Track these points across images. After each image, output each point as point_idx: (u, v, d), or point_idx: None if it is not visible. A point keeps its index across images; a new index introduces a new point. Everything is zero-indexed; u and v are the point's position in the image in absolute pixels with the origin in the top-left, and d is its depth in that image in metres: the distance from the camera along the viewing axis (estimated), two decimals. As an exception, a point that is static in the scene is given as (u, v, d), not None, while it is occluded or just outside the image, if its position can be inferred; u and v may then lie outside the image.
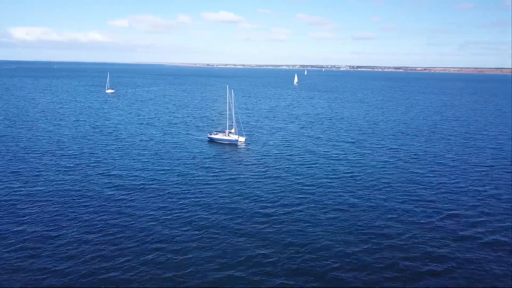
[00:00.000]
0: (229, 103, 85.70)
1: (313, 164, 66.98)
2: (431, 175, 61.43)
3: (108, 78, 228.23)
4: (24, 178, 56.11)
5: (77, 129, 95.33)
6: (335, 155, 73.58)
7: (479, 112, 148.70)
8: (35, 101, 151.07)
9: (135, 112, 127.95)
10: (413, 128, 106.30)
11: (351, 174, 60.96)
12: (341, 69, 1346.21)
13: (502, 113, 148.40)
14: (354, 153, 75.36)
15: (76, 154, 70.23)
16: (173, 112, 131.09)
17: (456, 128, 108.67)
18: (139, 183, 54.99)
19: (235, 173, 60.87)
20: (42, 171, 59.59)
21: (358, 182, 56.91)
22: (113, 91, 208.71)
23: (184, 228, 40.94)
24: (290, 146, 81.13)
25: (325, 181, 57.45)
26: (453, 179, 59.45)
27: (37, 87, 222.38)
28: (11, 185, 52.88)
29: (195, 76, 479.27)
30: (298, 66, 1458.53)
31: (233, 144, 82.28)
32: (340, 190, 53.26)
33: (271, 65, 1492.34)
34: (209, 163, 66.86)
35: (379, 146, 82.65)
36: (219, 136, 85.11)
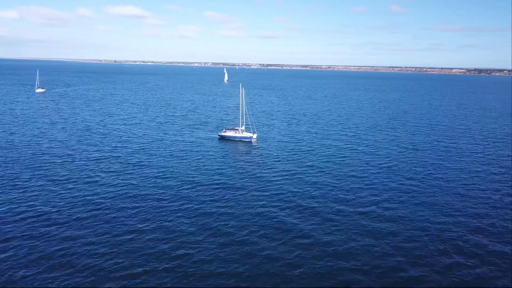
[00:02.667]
0: (242, 100, 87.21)
1: (341, 156, 72.48)
2: (446, 161, 71.21)
3: (37, 77, 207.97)
4: (76, 184, 52.56)
5: (66, 132, 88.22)
6: (349, 148, 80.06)
7: (418, 106, 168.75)
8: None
9: (105, 112, 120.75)
10: (384, 121, 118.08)
11: (378, 163, 67.86)
12: (252, 67, 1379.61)
13: (436, 107, 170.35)
14: (363, 145, 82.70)
15: (101, 158, 66.44)
16: (145, 112, 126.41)
17: (416, 120, 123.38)
18: (177, 185, 54.54)
19: (279, 169, 63.60)
20: (93, 177, 56.08)
21: (395, 170, 63.89)
22: (43, 90, 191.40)
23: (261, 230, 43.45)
24: (300, 142, 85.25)
25: (367, 170, 63.42)
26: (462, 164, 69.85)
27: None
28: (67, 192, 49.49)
29: (114, 74, 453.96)
30: (210, 64, 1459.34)
31: (247, 141, 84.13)
32: (386, 178, 59.62)
33: (183, 62, 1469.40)
34: (241, 161, 68.41)
35: (375, 138, 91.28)
36: (232, 133, 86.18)
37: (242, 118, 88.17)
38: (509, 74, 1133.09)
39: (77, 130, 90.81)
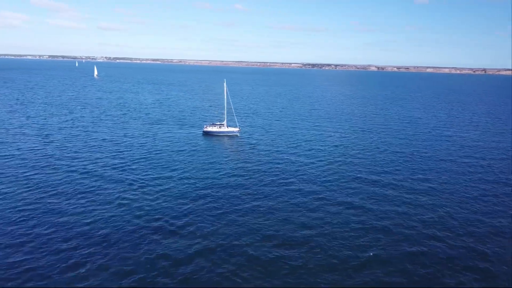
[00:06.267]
0: (226, 96, 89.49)
1: (323, 142, 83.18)
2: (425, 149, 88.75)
3: None
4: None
5: (30, 141, 76.84)
6: (328, 141, 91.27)
7: (319, 98, 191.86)
8: None
9: (34, 115, 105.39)
10: (310, 112, 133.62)
11: (359, 153, 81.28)
12: (98, 60, 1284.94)
13: (330, 98, 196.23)
14: (336, 138, 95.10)
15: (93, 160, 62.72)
16: (78, 113, 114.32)
17: (332, 109, 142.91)
18: (180, 188, 52.33)
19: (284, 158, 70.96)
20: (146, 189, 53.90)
21: (373, 160, 77.86)
22: None
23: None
24: (281, 135, 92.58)
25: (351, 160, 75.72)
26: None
27: None
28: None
29: None
30: (47, 57, 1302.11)
31: (233, 136, 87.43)
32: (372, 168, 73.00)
33: (13, 55, 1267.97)
34: (240, 153, 73.03)
35: (329, 125, 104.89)
36: (217, 128, 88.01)
37: (225, 113, 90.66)
38: (336, 68, 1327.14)
39: (33, 136, 79.53)
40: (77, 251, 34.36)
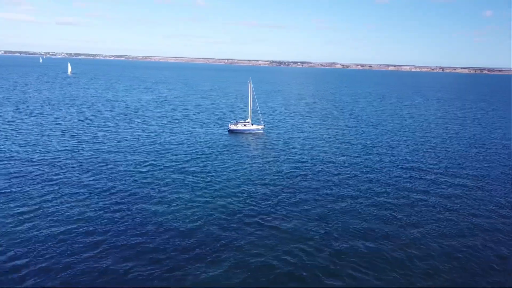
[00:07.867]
0: (251, 94, 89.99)
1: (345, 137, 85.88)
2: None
3: None
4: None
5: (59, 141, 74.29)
6: (352, 136, 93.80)
7: (341, 97, 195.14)
8: None
9: (41, 114, 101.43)
10: (332, 111, 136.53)
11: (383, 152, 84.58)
12: (58, 56, 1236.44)
13: (355, 97, 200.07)
14: (357, 134, 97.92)
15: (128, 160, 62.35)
16: (78, 112, 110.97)
17: (340, 111, 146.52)
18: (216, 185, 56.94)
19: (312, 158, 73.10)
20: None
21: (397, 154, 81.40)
22: None
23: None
24: (302, 132, 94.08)
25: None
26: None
27: None
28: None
29: None
30: (2, 52, 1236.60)
31: (258, 133, 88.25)
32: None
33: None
34: (269, 150, 74.65)
35: (345, 122, 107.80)
36: (242, 126, 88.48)
37: (250, 111, 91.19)
38: (302, 65, 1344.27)
39: (60, 137, 76.99)
40: (197, 251, 34.51)
